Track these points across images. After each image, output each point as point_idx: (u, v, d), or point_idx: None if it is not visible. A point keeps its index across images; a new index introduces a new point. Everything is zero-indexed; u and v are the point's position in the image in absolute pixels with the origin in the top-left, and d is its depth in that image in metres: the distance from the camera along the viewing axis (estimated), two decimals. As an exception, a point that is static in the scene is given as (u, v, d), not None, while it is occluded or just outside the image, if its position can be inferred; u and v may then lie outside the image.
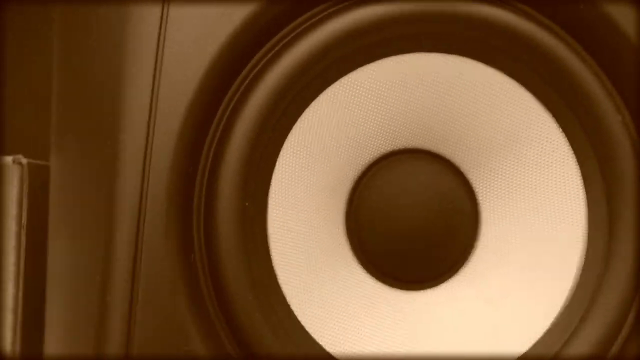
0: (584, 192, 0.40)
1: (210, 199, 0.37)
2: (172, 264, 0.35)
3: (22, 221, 0.42)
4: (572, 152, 0.40)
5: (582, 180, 0.40)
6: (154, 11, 0.36)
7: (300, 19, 0.38)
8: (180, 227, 0.36)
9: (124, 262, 0.35)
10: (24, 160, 0.42)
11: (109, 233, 0.36)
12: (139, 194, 0.35)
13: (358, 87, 0.39)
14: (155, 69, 0.36)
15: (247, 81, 0.38)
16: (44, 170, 0.43)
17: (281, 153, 0.38)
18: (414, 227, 0.41)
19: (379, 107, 0.40)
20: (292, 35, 0.38)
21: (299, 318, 0.38)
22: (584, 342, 0.38)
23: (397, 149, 0.42)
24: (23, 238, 0.42)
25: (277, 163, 0.38)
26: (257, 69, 0.38)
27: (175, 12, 0.36)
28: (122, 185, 0.36)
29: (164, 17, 0.36)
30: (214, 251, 0.37)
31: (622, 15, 0.38)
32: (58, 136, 0.41)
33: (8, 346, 0.41)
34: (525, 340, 0.39)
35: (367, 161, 0.42)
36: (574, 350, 0.38)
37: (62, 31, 0.41)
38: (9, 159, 0.42)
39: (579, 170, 0.40)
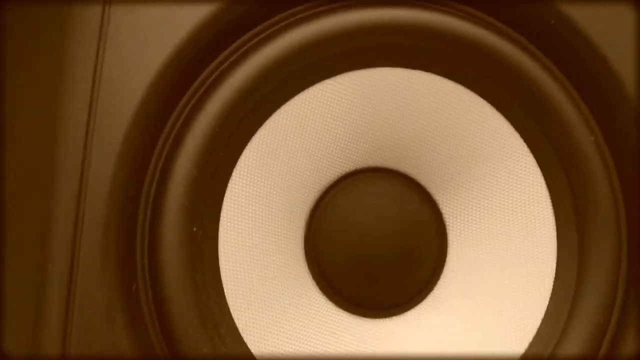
0: (554, 215, 0.39)
1: (155, 223, 0.35)
2: (110, 295, 0.33)
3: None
4: (541, 173, 0.39)
5: (551, 203, 0.39)
6: (95, 16, 0.35)
7: (256, 29, 0.37)
8: (121, 254, 0.34)
9: (56, 295, 0.33)
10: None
11: (42, 260, 0.33)
12: (74, 219, 0.33)
13: (318, 103, 0.38)
14: (94, 81, 0.34)
15: (197, 95, 0.36)
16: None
17: (234, 173, 0.37)
18: (378, 251, 0.40)
19: (340, 124, 0.39)
20: (247, 46, 0.36)
21: (253, 350, 0.36)
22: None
23: (360, 167, 0.41)
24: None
25: (230, 184, 0.36)
26: (209, 81, 0.36)
27: (117, 22, 0.35)
28: (55, 210, 0.33)
29: (104, 28, 0.34)
30: (158, 279, 0.34)
31: (600, 35, 0.37)
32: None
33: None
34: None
35: (327, 181, 0.40)
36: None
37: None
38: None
39: (548, 192, 0.39)
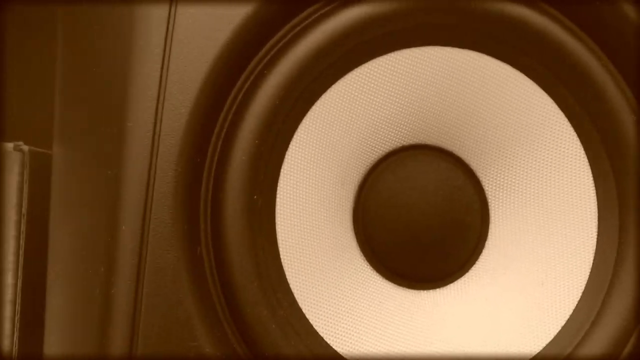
0: (595, 192, 0.39)
1: (218, 190, 0.36)
2: (178, 256, 0.34)
3: (22, 210, 0.41)
4: (584, 152, 0.39)
5: (593, 180, 0.39)
6: (162, 10, 0.36)
7: (312, 8, 0.37)
8: (187, 219, 0.35)
9: (129, 254, 0.34)
10: (25, 147, 0.41)
11: (114, 224, 0.35)
12: (145, 184, 0.35)
13: (370, 80, 0.38)
14: (163, 62, 0.35)
15: (256, 72, 0.37)
16: (46, 158, 0.41)
17: (290, 146, 0.38)
18: (423, 225, 0.41)
19: (390, 101, 0.39)
20: (304, 24, 0.37)
21: (307, 315, 0.38)
22: (597, 343, 0.38)
23: (407, 144, 0.41)
24: (23, 227, 0.41)
25: (286, 156, 0.38)
26: (267, 58, 0.37)
27: (183, 11, 0.36)
28: (127, 176, 0.35)
29: (172, 14, 0.36)
30: (221, 244, 0.36)
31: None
32: (62, 126, 0.40)
33: (6, 340, 0.40)
34: (536, 341, 0.39)
35: (376, 156, 0.41)
36: (587, 350, 0.37)
37: (68, 30, 0.40)
38: (9, 145, 0.41)
39: (590, 170, 0.39)
